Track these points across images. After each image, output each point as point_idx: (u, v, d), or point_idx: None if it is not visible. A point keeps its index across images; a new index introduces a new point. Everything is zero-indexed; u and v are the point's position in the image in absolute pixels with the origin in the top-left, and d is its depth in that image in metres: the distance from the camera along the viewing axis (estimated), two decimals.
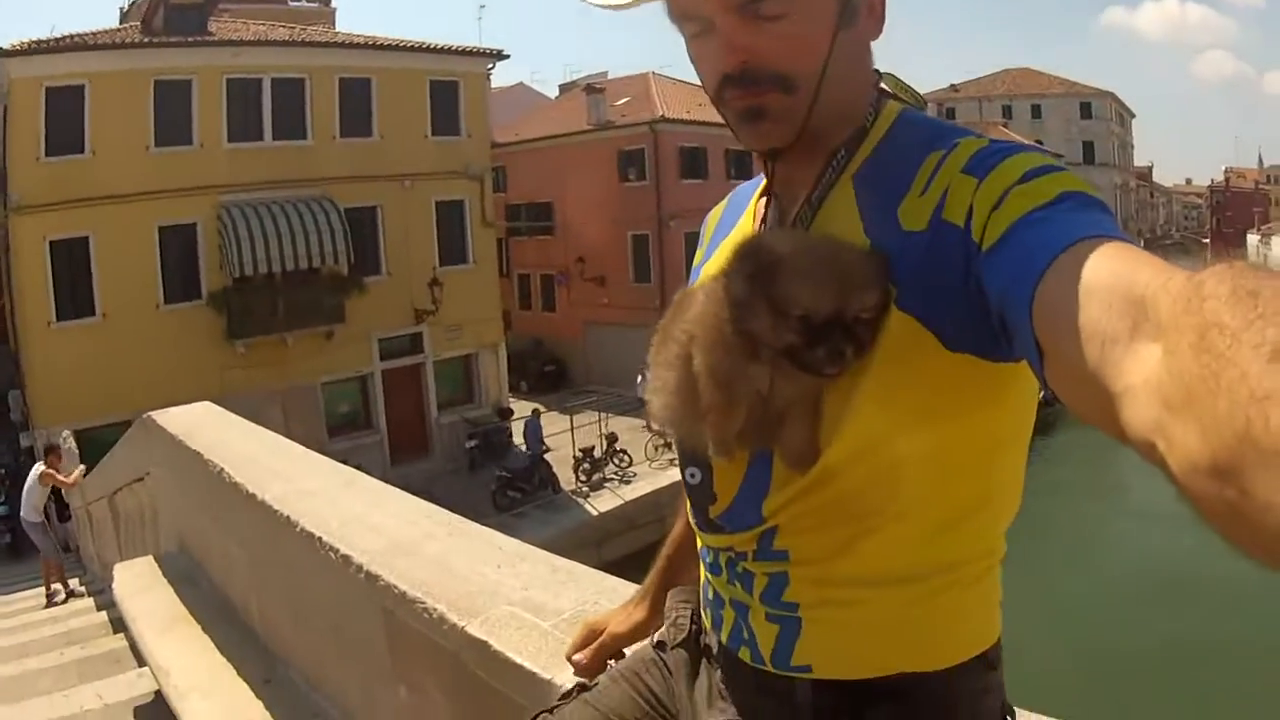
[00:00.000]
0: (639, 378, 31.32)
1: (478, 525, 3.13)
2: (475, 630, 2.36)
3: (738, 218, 1.63)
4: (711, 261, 1.59)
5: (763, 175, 1.58)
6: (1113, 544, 23.95)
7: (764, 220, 1.50)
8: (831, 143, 1.40)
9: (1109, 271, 0.88)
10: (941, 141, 1.30)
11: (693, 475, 1.48)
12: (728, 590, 1.47)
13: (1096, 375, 0.83)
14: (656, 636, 1.81)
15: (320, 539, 3.11)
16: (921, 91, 1.51)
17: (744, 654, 1.44)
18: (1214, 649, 17.99)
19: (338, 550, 2.99)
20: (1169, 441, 0.69)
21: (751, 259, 1.18)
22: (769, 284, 1.15)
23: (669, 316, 1.35)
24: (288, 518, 3.38)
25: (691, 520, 1.55)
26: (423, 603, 2.54)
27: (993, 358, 1.20)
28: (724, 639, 1.50)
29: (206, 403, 6.31)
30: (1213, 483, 0.63)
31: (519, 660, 2.22)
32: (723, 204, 1.77)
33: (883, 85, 1.49)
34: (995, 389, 1.26)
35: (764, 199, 1.55)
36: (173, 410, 6.21)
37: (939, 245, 1.19)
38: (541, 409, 30.00)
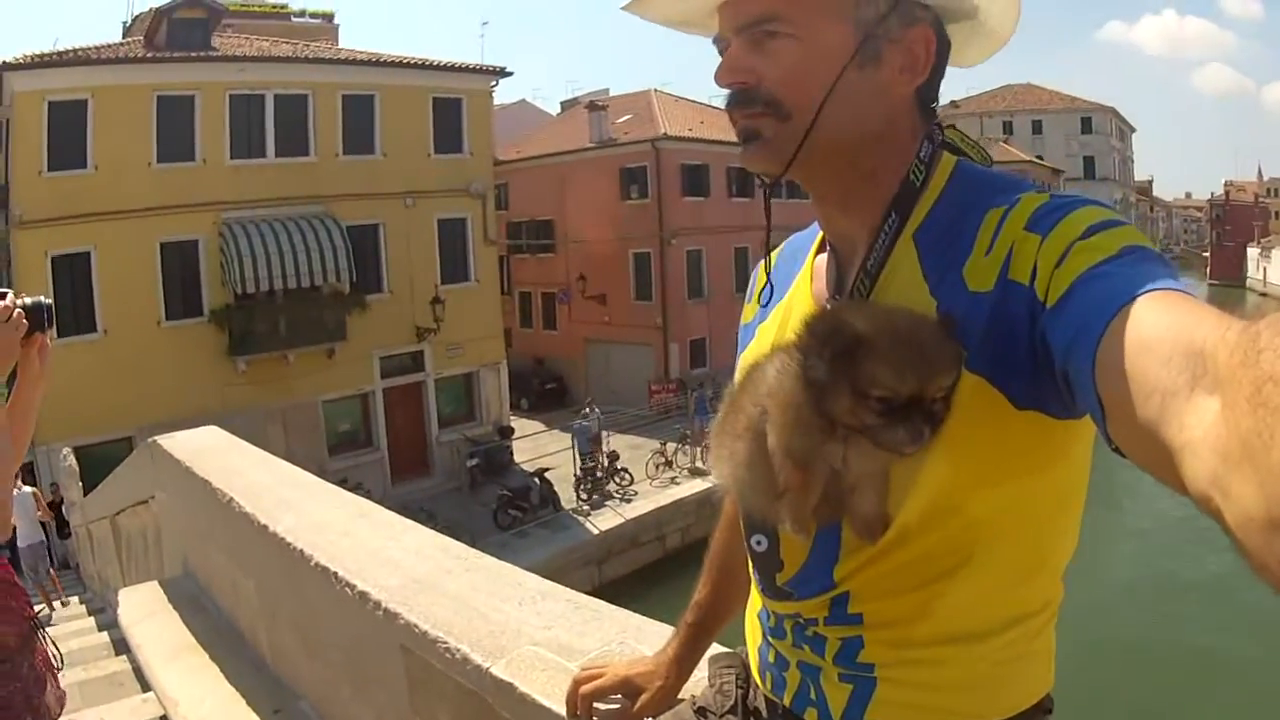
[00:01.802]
0: (583, 411, 31.60)
1: (495, 560, 3.06)
2: (500, 672, 2.31)
3: (794, 274, 1.61)
4: (770, 323, 1.59)
5: (817, 226, 1.59)
6: (1110, 551, 23.88)
7: (829, 283, 1.48)
8: (878, 193, 1.39)
9: (1168, 325, 0.88)
10: (1001, 197, 1.30)
11: (759, 543, 1.47)
12: (794, 654, 1.47)
13: (1158, 430, 0.82)
14: (698, 702, 1.80)
15: (336, 574, 3.08)
16: None
17: (810, 715, 1.45)
18: (1210, 655, 18.12)
19: (354, 586, 2.96)
20: (1225, 494, 0.68)
21: (832, 340, 1.14)
22: (850, 366, 1.13)
23: (738, 386, 1.35)
24: (301, 551, 3.35)
25: (756, 586, 1.55)
26: (444, 642, 2.49)
27: (1059, 415, 1.20)
28: (787, 701, 1.50)
29: (213, 427, 6.16)
30: (1268, 535, 0.63)
31: (548, 704, 2.17)
32: (774, 256, 1.73)
33: (945, 138, 1.47)
34: (1062, 445, 1.26)
35: (821, 254, 1.55)
36: (179, 435, 6.13)
37: (1006, 305, 1.18)
38: (598, 411, 30.06)
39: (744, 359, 1.60)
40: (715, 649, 1.93)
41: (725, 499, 1.79)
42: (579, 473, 28.21)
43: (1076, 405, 1.07)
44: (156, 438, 6.29)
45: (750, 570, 1.56)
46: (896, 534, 1.28)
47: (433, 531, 3.49)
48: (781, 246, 1.74)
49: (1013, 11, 1.46)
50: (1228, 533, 0.68)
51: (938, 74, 1.43)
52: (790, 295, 1.59)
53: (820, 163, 1.39)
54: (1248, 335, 0.72)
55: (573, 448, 28.59)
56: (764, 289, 1.67)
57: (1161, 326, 0.89)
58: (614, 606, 2.65)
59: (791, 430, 1.18)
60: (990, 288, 1.22)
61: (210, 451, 5.57)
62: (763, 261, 1.73)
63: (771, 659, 1.53)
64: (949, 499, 1.24)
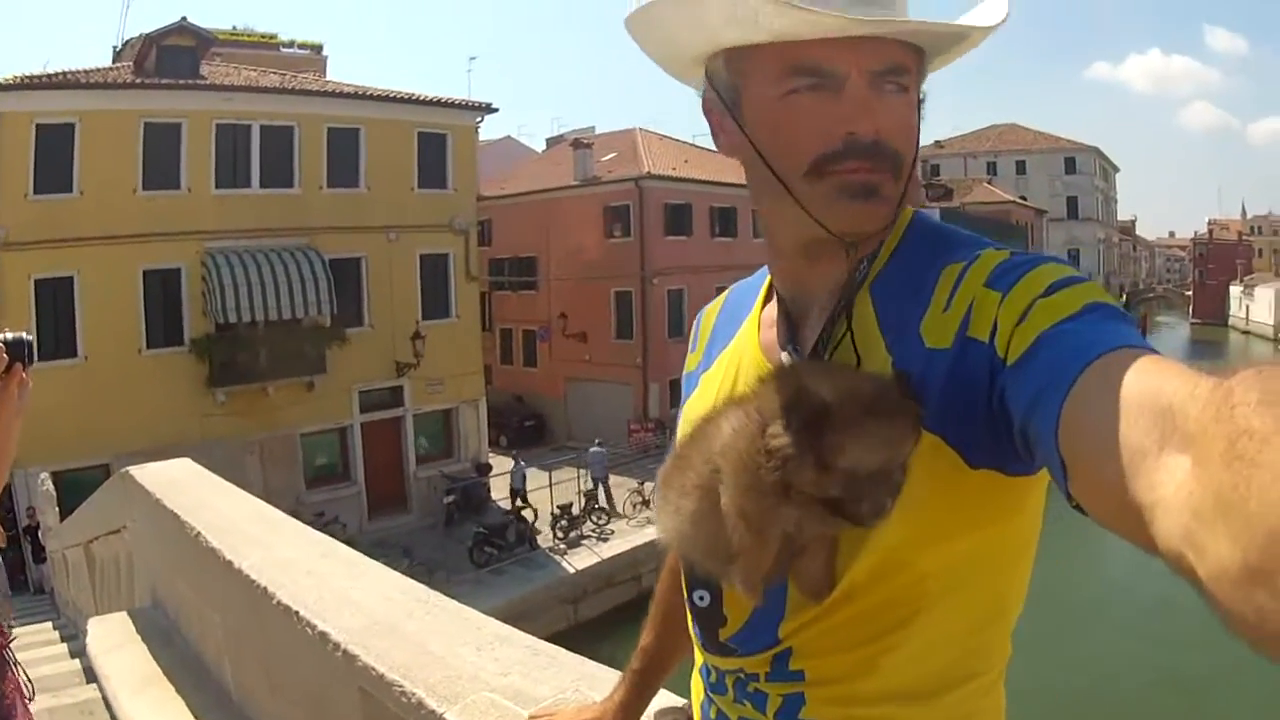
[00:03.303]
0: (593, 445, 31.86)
1: (455, 603, 3.09)
2: (454, 717, 2.33)
3: (739, 323, 1.59)
4: (717, 372, 1.57)
5: (761, 274, 1.58)
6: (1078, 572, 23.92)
7: (779, 335, 1.45)
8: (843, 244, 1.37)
9: (1135, 384, 0.88)
10: (960, 252, 1.29)
11: (701, 598, 1.46)
12: (735, 709, 1.45)
13: (1126, 489, 0.82)
14: None
15: (298, 613, 3.07)
16: None
17: None
18: (1185, 678, 18.32)
19: (315, 626, 2.95)
20: (1200, 551, 0.68)
21: (798, 409, 1.11)
22: (816, 437, 1.10)
23: (686, 438, 1.31)
24: (265, 589, 3.34)
25: (697, 642, 1.53)
26: (401, 686, 2.51)
27: (1014, 472, 1.19)
28: None
29: (185, 460, 6.17)
30: (1243, 587, 0.63)
31: None
32: (717, 304, 1.73)
33: None
34: (1014, 500, 1.26)
35: (769, 304, 1.53)
36: (151, 467, 6.11)
37: (964, 363, 1.18)
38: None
39: (688, 409, 1.60)
40: (662, 700, 1.94)
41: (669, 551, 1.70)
42: (555, 510, 28.21)
43: (1035, 463, 1.07)
44: (129, 469, 6.29)
45: (690, 625, 1.54)
46: (843, 591, 1.27)
47: (396, 573, 3.49)
48: (724, 295, 1.73)
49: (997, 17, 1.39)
50: (1200, 590, 0.69)
51: None
52: (737, 345, 1.57)
53: None
54: (1220, 392, 0.73)
55: (574, 480, 29.68)
56: (711, 336, 1.67)
57: (1128, 385, 0.88)
58: (571, 654, 2.66)
59: (747, 493, 1.15)
60: (948, 345, 1.21)
61: (181, 484, 5.55)
62: (705, 310, 1.75)
63: (713, 715, 1.52)
64: (898, 555, 1.23)
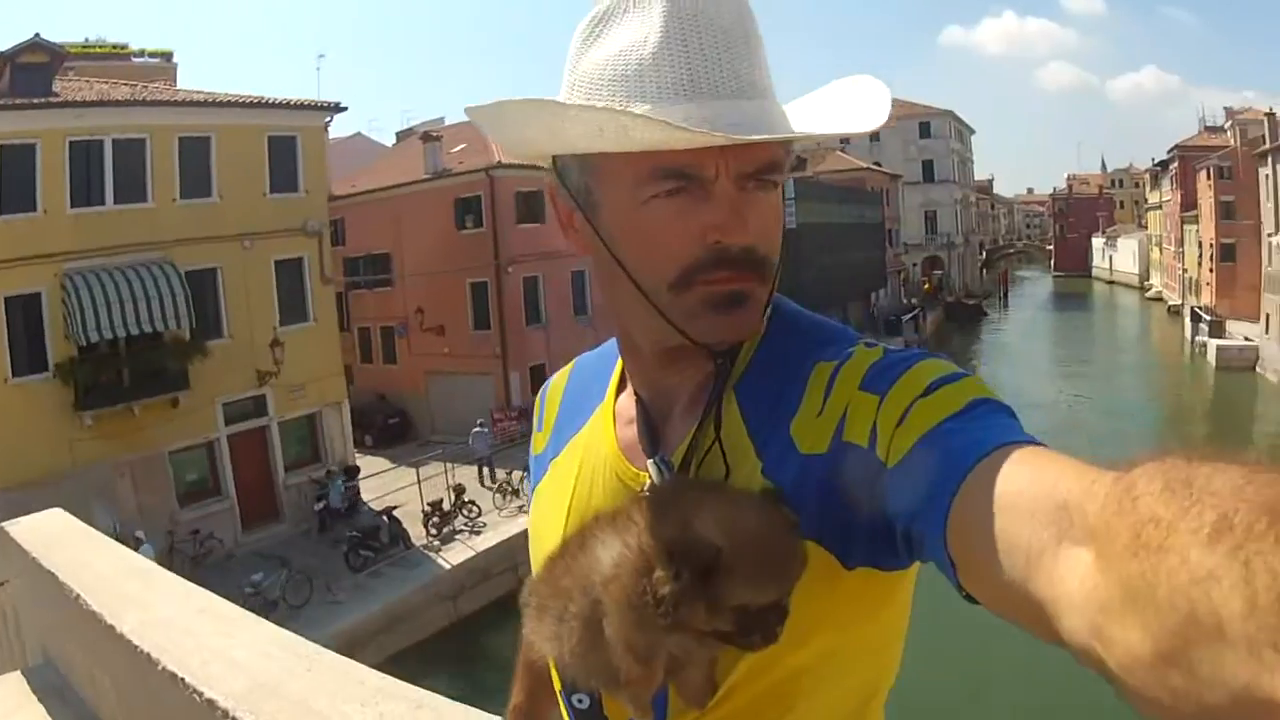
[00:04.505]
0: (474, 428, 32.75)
1: (334, 655, 3.00)
2: None
3: (589, 407, 1.58)
4: (568, 460, 1.57)
5: (615, 353, 1.56)
6: None
7: (641, 438, 1.42)
8: None
9: (1026, 481, 0.89)
10: (830, 350, 1.30)
11: (580, 700, 1.44)
12: None
13: (1025, 587, 0.84)
14: None
15: (184, 680, 2.95)
16: None
17: None
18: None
19: (202, 694, 2.87)
20: (1107, 643, 0.70)
21: (688, 558, 1.08)
22: (706, 584, 1.08)
23: (557, 557, 1.28)
24: (149, 654, 3.17)
25: None
26: None
27: (891, 568, 1.19)
28: None
29: (58, 510, 6.04)
30: (1156, 672, 0.65)
31: None
32: (562, 380, 1.73)
33: None
34: (888, 591, 1.28)
35: (624, 393, 1.52)
36: (25, 522, 5.88)
37: (841, 467, 1.17)
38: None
39: (539, 495, 1.61)
40: None
41: None
42: (426, 507, 29.28)
43: (919, 558, 1.10)
44: (4, 524, 6.02)
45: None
46: (721, 693, 1.26)
47: (271, 624, 3.40)
48: (568, 369, 1.73)
49: None
50: (1112, 681, 0.71)
51: None
52: (590, 436, 1.54)
53: None
54: (1120, 485, 0.74)
55: (442, 475, 30.34)
56: (560, 415, 1.67)
57: (1020, 482, 0.89)
58: (455, 704, 2.67)
59: (634, 629, 1.12)
60: (824, 450, 1.20)
61: (56, 540, 5.41)
62: (549, 384, 1.75)
63: None
64: (774, 655, 1.18)
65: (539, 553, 1.45)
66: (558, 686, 1.52)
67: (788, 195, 2.82)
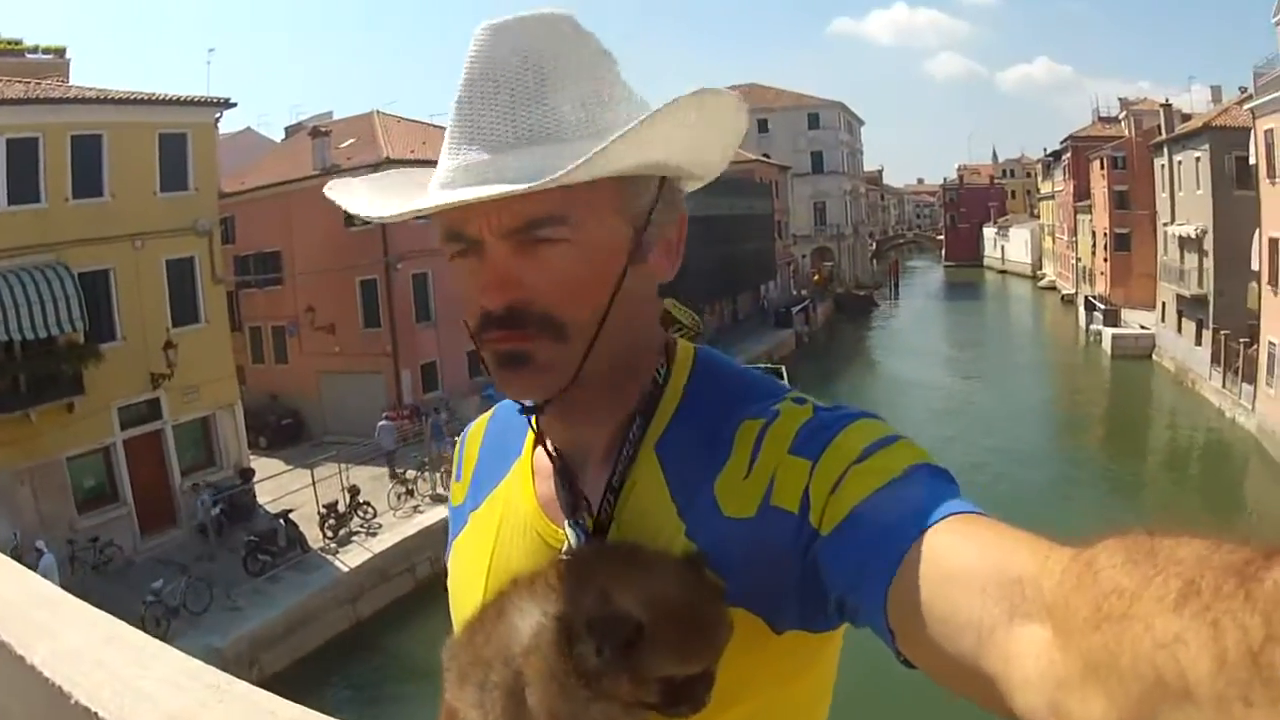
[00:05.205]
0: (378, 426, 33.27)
1: (248, 685, 2.93)
2: None
3: (509, 458, 1.56)
4: (487, 514, 1.56)
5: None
6: None
7: (558, 496, 1.41)
8: (621, 397, 1.37)
9: (975, 554, 0.90)
10: (755, 406, 1.29)
11: None
12: None
13: (975, 662, 0.84)
14: None
15: (97, 714, 2.84)
16: None
17: None
18: None
19: None
20: (1067, 718, 0.71)
21: (609, 633, 1.09)
22: (630, 658, 1.09)
23: (477, 623, 1.30)
24: (60, 688, 3.05)
25: None
26: None
27: (820, 630, 1.21)
28: None
29: None
30: None
31: None
32: (480, 428, 1.71)
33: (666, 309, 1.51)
34: (816, 649, 1.28)
35: (539, 448, 1.48)
36: None
37: (769, 533, 1.17)
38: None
39: (459, 547, 1.60)
40: None
41: None
42: (322, 510, 29.70)
43: (851, 624, 1.13)
44: None
45: None
46: None
47: (180, 653, 3.28)
48: (487, 417, 1.70)
49: (724, 159, 1.43)
50: None
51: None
52: (508, 489, 1.53)
53: (595, 375, 1.31)
54: (1080, 561, 0.75)
55: (335, 476, 31.27)
56: (479, 466, 1.65)
57: (968, 556, 0.90)
58: None
59: (558, 699, 1.14)
60: (751, 514, 1.19)
61: None
62: (468, 431, 1.73)
63: None
64: (702, 717, 1.15)
65: (459, 609, 1.49)
66: None
67: None
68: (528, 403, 1.38)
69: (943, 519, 0.98)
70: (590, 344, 1.27)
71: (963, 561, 0.91)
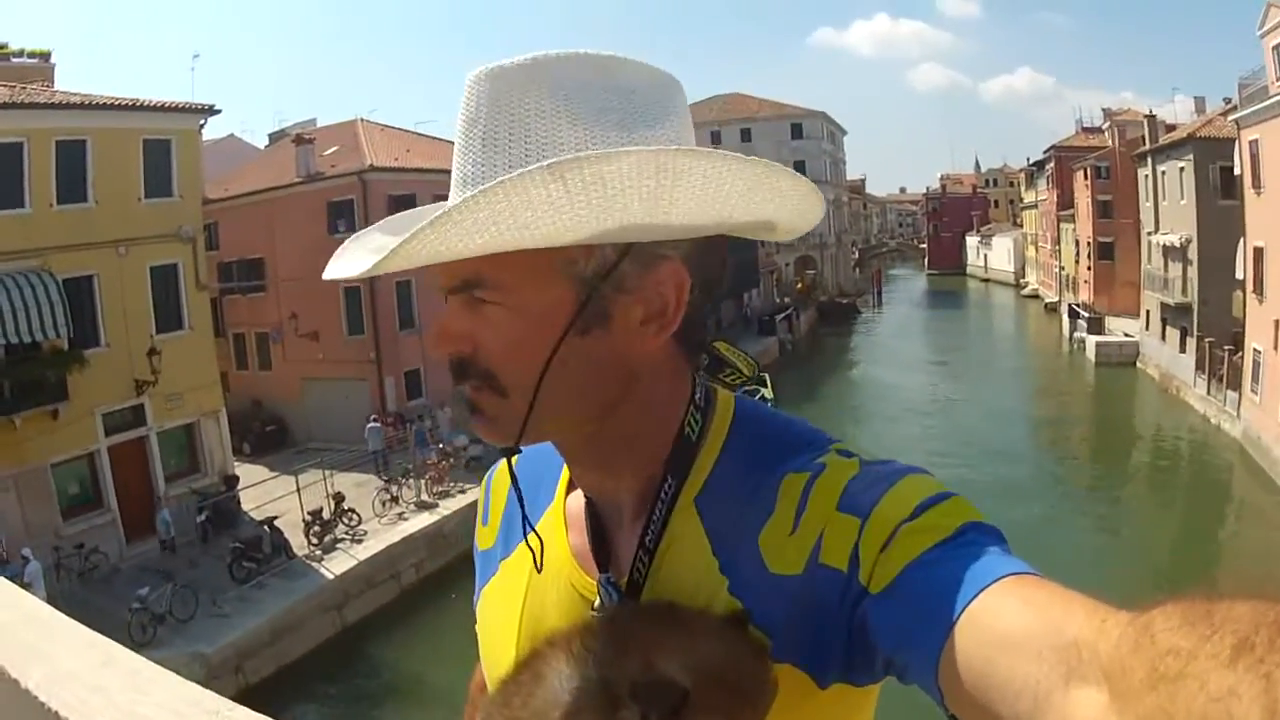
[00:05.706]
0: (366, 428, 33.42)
1: (248, 711, 2.79)
2: None
3: (541, 504, 1.54)
4: (518, 563, 1.54)
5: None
6: None
7: (593, 550, 1.41)
8: (644, 455, 1.35)
9: (1032, 617, 0.90)
10: (800, 459, 1.27)
11: None
12: None
13: None
14: None
15: None
16: None
17: None
18: None
19: None
20: None
21: (653, 701, 1.08)
22: None
23: (512, 683, 1.27)
24: (56, 713, 2.97)
25: None
26: None
27: (864, 684, 1.19)
28: None
29: None
30: None
31: None
32: (502, 471, 1.66)
33: (713, 354, 1.55)
34: (861, 700, 1.27)
35: (574, 491, 1.49)
36: None
37: (816, 590, 1.15)
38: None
39: (489, 595, 1.60)
40: None
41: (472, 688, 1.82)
42: (307, 516, 29.70)
43: (898, 680, 1.10)
44: None
45: None
46: None
47: (178, 677, 3.16)
48: (513, 460, 1.53)
49: (813, 208, 1.34)
50: None
51: (704, 302, 1.33)
52: (542, 536, 1.46)
53: (557, 434, 1.34)
54: (1138, 625, 0.76)
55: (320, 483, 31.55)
56: (507, 509, 1.63)
57: (1024, 619, 0.90)
58: None
59: None
60: (799, 571, 1.18)
61: None
62: (493, 474, 1.71)
63: None
64: None
65: (490, 659, 1.52)
66: None
67: None
68: (497, 445, 1.35)
69: (996, 580, 0.97)
70: (530, 406, 1.24)
71: (1018, 624, 0.90)
